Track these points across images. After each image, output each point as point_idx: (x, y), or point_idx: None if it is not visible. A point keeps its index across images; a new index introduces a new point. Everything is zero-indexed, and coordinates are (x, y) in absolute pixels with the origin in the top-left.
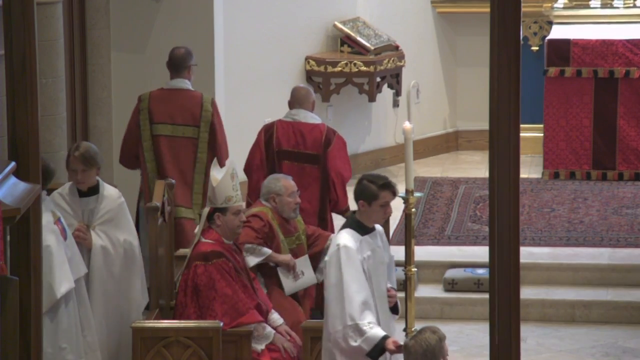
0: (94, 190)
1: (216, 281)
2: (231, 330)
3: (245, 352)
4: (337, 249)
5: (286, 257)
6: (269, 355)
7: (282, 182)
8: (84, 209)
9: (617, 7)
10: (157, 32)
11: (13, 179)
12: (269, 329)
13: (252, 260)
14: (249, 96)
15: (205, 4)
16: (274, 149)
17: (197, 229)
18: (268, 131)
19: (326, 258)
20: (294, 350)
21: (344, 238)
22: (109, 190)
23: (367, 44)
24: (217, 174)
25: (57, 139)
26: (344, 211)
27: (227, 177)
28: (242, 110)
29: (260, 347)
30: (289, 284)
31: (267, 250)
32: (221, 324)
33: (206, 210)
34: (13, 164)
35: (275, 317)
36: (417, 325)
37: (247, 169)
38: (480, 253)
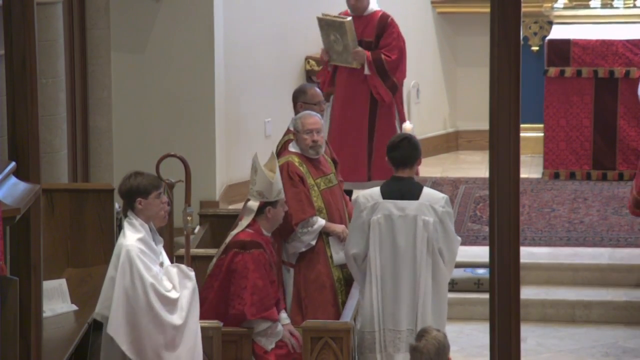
0: None
1: (250, 271)
2: (231, 330)
3: (245, 352)
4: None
5: (339, 227)
6: (276, 352)
7: (301, 119)
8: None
9: (617, 7)
10: (157, 32)
11: (13, 179)
12: (280, 327)
13: (308, 239)
14: (249, 96)
15: (205, 4)
16: None
17: (243, 221)
18: None
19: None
20: (298, 348)
21: None
22: None
23: None
24: (266, 169)
25: (57, 139)
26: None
27: (278, 170)
28: (242, 110)
29: (270, 346)
30: (340, 256)
31: (321, 221)
32: (221, 324)
33: (255, 204)
34: (13, 164)
35: (284, 316)
36: None
37: None
38: (480, 253)
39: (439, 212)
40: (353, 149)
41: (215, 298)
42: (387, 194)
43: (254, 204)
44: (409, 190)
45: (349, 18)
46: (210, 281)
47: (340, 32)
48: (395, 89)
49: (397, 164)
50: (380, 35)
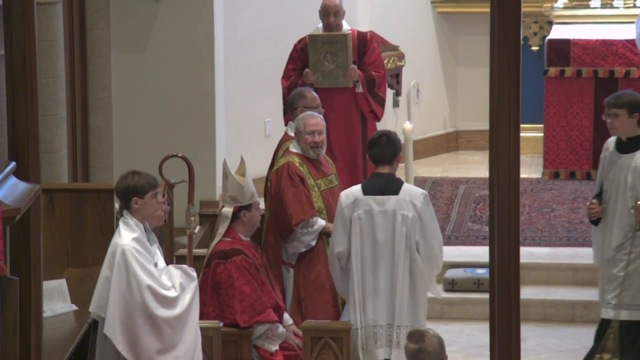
0: None
1: (235, 279)
2: (231, 330)
3: (245, 352)
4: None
5: None
6: (284, 353)
7: (304, 120)
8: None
9: (617, 7)
10: (157, 32)
11: (13, 179)
12: (281, 328)
13: (308, 239)
14: (249, 96)
15: (205, 4)
16: None
17: (220, 229)
18: None
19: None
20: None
21: None
22: None
23: None
24: (236, 173)
25: (57, 139)
26: None
27: (247, 174)
28: (242, 110)
29: (274, 347)
30: None
31: (321, 222)
32: (221, 324)
33: (229, 210)
34: (13, 164)
35: (286, 317)
36: None
37: None
38: (480, 253)
39: (418, 208)
40: (349, 172)
41: (211, 313)
42: (367, 190)
43: (228, 210)
44: (389, 185)
45: (349, 32)
46: (201, 296)
47: (337, 47)
48: (384, 104)
49: (377, 161)
50: (363, 53)
